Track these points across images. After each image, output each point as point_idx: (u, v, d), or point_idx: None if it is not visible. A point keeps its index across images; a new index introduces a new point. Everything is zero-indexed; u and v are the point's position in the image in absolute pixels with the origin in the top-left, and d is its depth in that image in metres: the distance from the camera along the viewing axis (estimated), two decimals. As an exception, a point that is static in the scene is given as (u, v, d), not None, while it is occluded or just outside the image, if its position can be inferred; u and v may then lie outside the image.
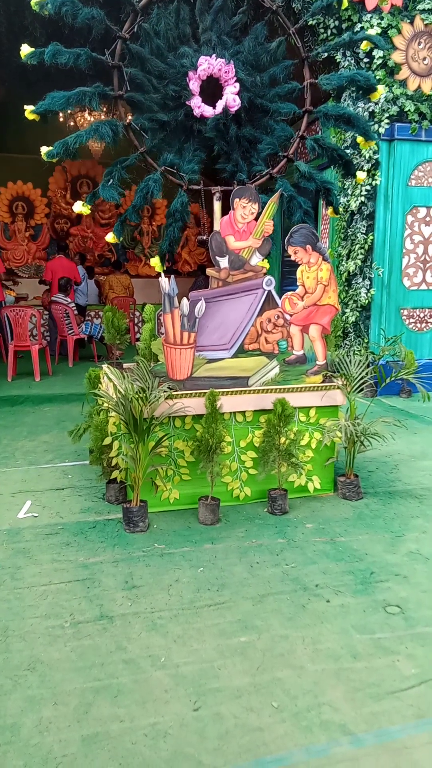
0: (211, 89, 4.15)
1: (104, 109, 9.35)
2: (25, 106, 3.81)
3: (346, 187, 7.05)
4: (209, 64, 3.99)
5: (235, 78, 4.08)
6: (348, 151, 6.92)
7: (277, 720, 2.07)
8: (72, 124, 11.12)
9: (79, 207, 3.99)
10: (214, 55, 4.01)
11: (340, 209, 7.16)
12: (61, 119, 11.24)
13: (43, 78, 9.18)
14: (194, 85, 4.01)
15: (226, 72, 4.06)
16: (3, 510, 3.82)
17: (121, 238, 4.24)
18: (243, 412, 3.93)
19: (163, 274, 3.76)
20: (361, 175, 4.68)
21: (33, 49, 3.75)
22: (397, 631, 2.59)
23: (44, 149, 3.88)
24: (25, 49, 3.76)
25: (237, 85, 4.08)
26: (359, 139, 4.54)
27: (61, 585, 2.94)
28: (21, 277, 12.49)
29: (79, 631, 2.57)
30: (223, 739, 1.99)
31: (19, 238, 12.90)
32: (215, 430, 3.59)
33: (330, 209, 4.58)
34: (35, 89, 10.56)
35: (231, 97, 4.03)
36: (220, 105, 4.06)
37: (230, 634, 2.56)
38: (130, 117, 4.27)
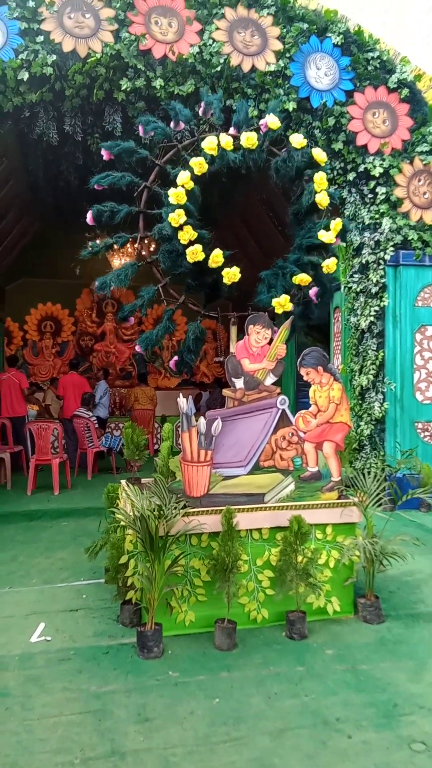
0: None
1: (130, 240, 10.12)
2: None
3: (355, 307, 7.41)
4: None
5: None
6: (356, 276, 7.37)
7: None
8: (99, 256, 12.02)
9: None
10: None
11: (351, 328, 7.49)
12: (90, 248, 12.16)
13: (74, 214, 10.16)
14: None
15: None
16: (16, 633, 3.76)
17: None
18: (259, 530, 3.93)
19: (181, 395, 3.93)
20: (328, 262, 4.51)
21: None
22: (423, 773, 2.44)
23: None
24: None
25: None
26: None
27: (72, 717, 2.85)
28: (42, 389, 12.93)
29: (89, 768, 2.46)
30: None
31: (45, 355, 13.51)
32: (231, 548, 3.59)
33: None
34: (67, 224, 11.58)
35: None
36: None
37: (246, 774, 2.43)
38: (153, 247, 4.68)
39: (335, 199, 4.71)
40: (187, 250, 4.11)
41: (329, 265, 4.46)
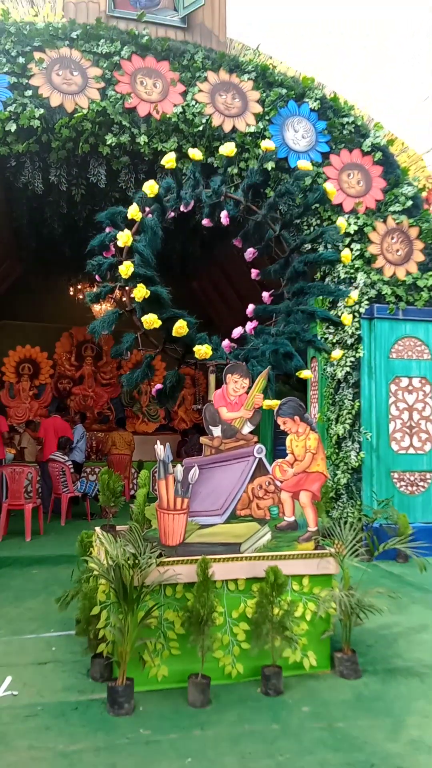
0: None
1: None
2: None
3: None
4: None
5: None
6: (332, 328, 7.54)
7: None
8: (81, 297, 12.17)
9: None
10: None
11: (327, 378, 7.61)
12: (71, 293, 12.32)
13: (56, 260, 10.32)
14: None
15: None
16: (-19, 687, 3.62)
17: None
18: (235, 581, 3.88)
19: (159, 442, 3.93)
20: (335, 353, 5.03)
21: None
22: None
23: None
24: None
25: None
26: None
27: (37, 778, 2.72)
28: (18, 432, 12.76)
29: None
30: None
31: (22, 397, 13.38)
32: (207, 599, 3.53)
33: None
34: (49, 269, 11.72)
35: None
36: None
37: None
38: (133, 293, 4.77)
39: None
40: (143, 319, 4.09)
41: (337, 356, 4.71)
